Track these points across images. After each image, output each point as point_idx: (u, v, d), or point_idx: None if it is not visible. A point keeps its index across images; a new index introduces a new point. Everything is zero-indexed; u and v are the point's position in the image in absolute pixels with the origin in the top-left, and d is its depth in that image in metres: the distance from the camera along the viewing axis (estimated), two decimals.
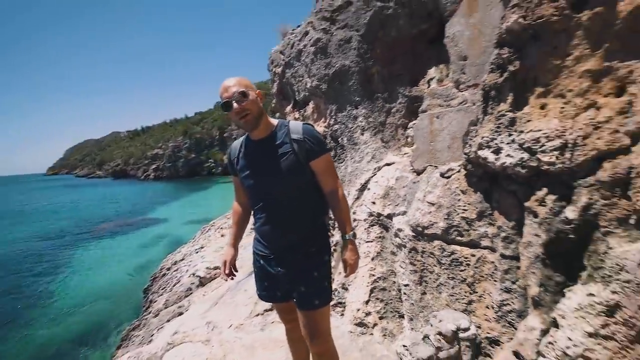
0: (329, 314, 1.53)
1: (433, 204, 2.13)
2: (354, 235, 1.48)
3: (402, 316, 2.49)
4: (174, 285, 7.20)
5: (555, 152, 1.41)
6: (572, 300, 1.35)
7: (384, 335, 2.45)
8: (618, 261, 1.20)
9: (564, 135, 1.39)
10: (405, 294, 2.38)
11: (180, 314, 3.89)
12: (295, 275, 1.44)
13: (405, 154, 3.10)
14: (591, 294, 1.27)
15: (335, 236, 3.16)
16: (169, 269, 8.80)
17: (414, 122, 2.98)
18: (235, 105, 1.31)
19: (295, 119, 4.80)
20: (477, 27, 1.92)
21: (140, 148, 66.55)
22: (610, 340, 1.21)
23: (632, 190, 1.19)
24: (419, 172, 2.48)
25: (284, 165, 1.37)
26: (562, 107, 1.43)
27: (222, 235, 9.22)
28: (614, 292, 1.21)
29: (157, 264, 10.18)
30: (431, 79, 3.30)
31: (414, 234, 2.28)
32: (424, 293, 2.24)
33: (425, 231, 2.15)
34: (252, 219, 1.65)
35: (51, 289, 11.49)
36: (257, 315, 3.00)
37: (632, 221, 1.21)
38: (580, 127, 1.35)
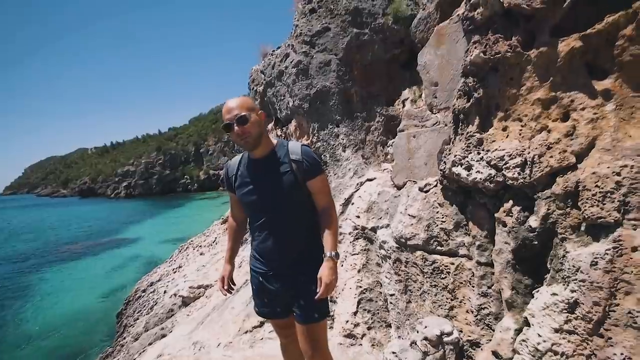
0: (327, 327, 1.59)
1: (414, 217, 2.29)
2: (336, 256, 1.44)
3: (389, 325, 2.60)
4: (151, 308, 6.90)
5: (517, 169, 1.61)
6: (539, 300, 1.52)
7: (373, 345, 2.54)
8: (574, 263, 1.39)
9: (523, 154, 1.60)
10: (391, 303, 2.50)
11: (164, 335, 3.77)
12: (295, 290, 1.48)
13: (385, 169, 3.28)
14: (554, 294, 1.45)
15: None
16: (144, 290, 8.41)
17: (392, 140, 3.18)
18: (236, 127, 1.37)
19: (278, 136, 4.91)
20: (445, 58, 2.15)
21: (109, 165, 63.58)
22: (572, 334, 1.38)
23: (580, 201, 1.39)
24: (399, 187, 2.65)
25: (284, 183, 1.43)
26: (520, 130, 1.64)
27: (201, 254, 8.98)
28: (572, 291, 1.39)
29: (131, 286, 9.71)
30: (405, 99, 3.56)
31: (397, 245, 2.42)
32: (409, 302, 2.37)
33: (408, 242, 2.30)
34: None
35: (15, 316, 10.59)
36: (246, 332, 2.99)
37: (583, 228, 1.41)
38: (536, 147, 1.56)
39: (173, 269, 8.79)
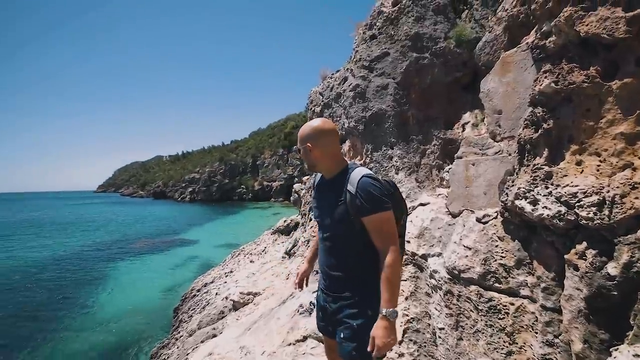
0: None
1: (470, 248, 2.18)
2: (393, 315, 1.27)
3: None
4: (203, 307, 7.42)
5: (593, 208, 1.47)
6: None
7: None
8: None
9: (602, 192, 1.45)
10: (440, 337, 2.37)
11: (214, 335, 4.03)
12: (337, 318, 1.45)
13: (439, 194, 3.18)
14: (637, 355, 1.26)
15: None
16: (199, 290, 9.08)
17: (448, 164, 3.08)
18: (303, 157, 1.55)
19: None
20: (511, 86, 2.07)
21: (179, 171, 71.06)
22: None
23: None
24: (454, 215, 2.55)
25: (334, 212, 1.43)
26: (598, 165, 1.50)
27: (251, 262, 9.43)
28: None
29: (188, 284, 10.53)
30: (466, 123, 3.44)
31: (449, 277, 2.31)
32: (460, 339, 2.22)
33: (462, 275, 2.19)
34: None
35: (85, 300, 12.17)
36: (290, 344, 3.07)
37: None
38: (617, 185, 1.41)
39: (225, 273, 9.36)
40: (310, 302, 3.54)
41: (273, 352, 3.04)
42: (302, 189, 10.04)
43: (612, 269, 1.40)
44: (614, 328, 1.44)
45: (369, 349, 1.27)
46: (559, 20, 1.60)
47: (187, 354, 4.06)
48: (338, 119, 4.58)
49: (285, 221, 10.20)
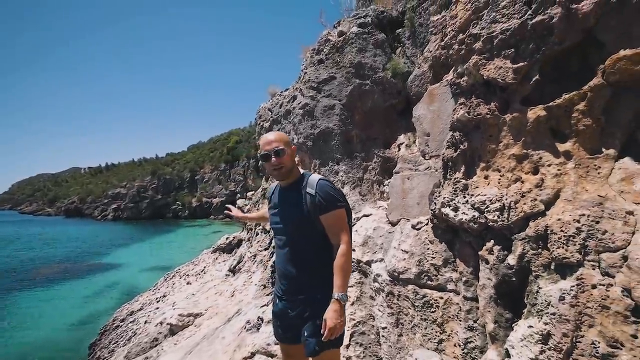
0: (337, 356, 1.59)
1: (407, 252, 2.48)
2: (344, 298, 1.41)
3: (380, 359, 2.66)
4: (129, 339, 6.61)
5: (497, 212, 1.85)
6: (518, 333, 1.68)
7: None
8: (546, 298, 1.58)
9: (502, 200, 1.85)
10: (383, 336, 2.59)
11: None
12: (301, 322, 1.53)
13: (380, 206, 3.52)
14: (530, 326, 1.62)
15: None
16: (123, 320, 8.06)
17: (388, 179, 3.45)
18: (273, 158, 1.54)
19: None
20: (437, 113, 2.50)
21: (101, 186, 62.73)
22: None
23: (549, 243, 1.62)
24: (393, 224, 2.86)
25: (295, 214, 1.56)
26: (499, 179, 1.91)
27: (188, 283, 8.77)
28: (545, 324, 1.56)
29: (108, 315, 9.28)
30: (401, 143, 3.90)
31: (390, 279, 2.57)
32: (400, 335, 2.47)
33: (401, 276, 2.46)
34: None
35: None
36: None
37: (552, 267, 1.62)
38: (512, 194, 1.82)
39: (156, 298, 8.50)
40: (258, 317, 3.50)
41: None
42: (245, 205, 9.82)
43: (511, 260, 1.78)
44: (515, 308, 1.81)
45: (322, 331, 1.40)
46: (469, 64, 2.03)
47: None
48: (287, 134, 4.75)
49: (227, 239, 9.78)
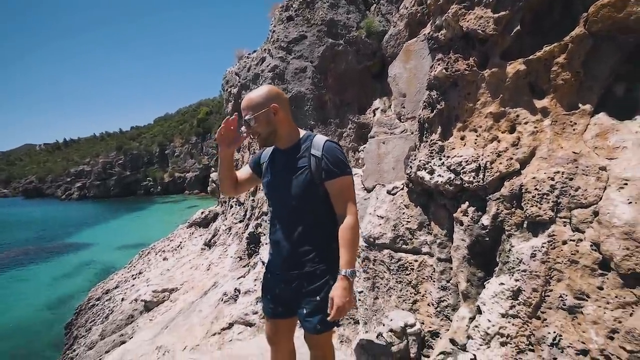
0: (331, 337, 1.52)
1: (382, 217, 2.45)
2: (352, 274, 1.28)
3: (357, 322, 2.71)
4: (106, 317, 6.47)
5: (473, 173, 1.81)
6: (489, 290, 1.71)
7: (341, 341, 2.63)
8: (518, 256, 1.59)
9: (478, 160, 1.80)
10: (359, 300, 2.62)
11: (123, 342, 3.56)
12: (300, 295, 1.39)
13: (356, 174, 3.44)
14: (502, 283, 1.64)
15: None
16: (98, 299, 7.87)
17: (363, 146, 3.35)
18: (244, 129, 1.38)
19: (251, 138, 4.92)
20: (413, 72, 2.36)
21: (61, 164, 58.42)
22: (516, 318, 1.58)
23: (523, 202, 1.61)
24: (369, 190, 2.80)
25: (298, 180, 1.35)
26: (476, 139, 1.85)
27: (164, 259, 8.59)
28: (516, 280, 1.59)
29: (82, 294, 9.02)
30: (376, 109, 3.77)
31: (366, 245, 2.55)
32: (376, 298, 2.50)
33: (376, 241, 2.44)
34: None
35: None
36: (214, 334, 2.95)
37: (525, 225, 1.62)
38: (488, 154, 1.77)
39: (132, 275, 8.30)
40: (235, 289, 3.45)
41: (196, 346, 2.88)
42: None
43: (485, 220, 1.77)
44: (487, 267, 1.83)
45: (328, 310, 1.28)
46: (448, 15, 1.88)
47: None
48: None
49: (202, 213, 9.54)
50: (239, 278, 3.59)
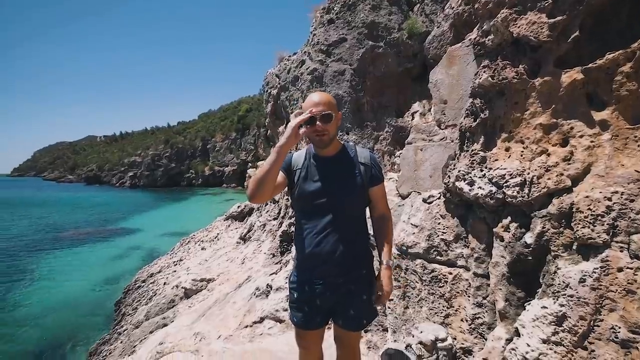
0: (360, 339, 1.65)
1: (416, 226, 2.40)
2: (393, 265, 1.52)
3: (385, 329, 2.69)
4: (150, 298, 7.03)
5: (517, 188, 1.72)
6: (530, 312, 1.61)
7: (369, 347, 2.63)
8: (564, 279, 1.49)
9: (523, 174, 1.70)
10: (389, 308, 2.59)
11: (165, 325, 3.88)
12: (346, 300, 1.45)
13: (390, 178, 3.39)
14: (544, 307, 1.54)
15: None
16: (144, 281, 8.56)
17: (399, 150, 3.29)
18: (318, 123, 1.35)
19: None
20: (456, 78, 2.27)
21: (117, 154, 64.27)
22: (559, 345, 1.48)
23: (573, 222, 1.49)
24: (404, 197, 2.76)
25: (353, 185, 1.43)
26: (522, 151, 1.75)
27: (202, 249, 9.12)
28: (561, 305, 1.48)
29: (130, 276, 9.84)
30: (415, 112, 3.68)
31: (398, 253, 2.52)
32: (406, 307, 2.47)
33: (409, 250, 2.40)
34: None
35: (11, 297, 10.72)
36: (246, 327, 3.10)
37: (574, 247, 1.51)
38: (535, 168, 1.66)
39: (174, 262, 8.93)
40: (267, 285, 3.59)
41: (229, 336, 3.05)
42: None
43: (529, 238, 1.67)
44: (528, 287, 1.73)
45: (378, 302, 1.46)
46: (497, 20, 1.78)
47: (134, 347, 3.86)
48: (295, 102, 4.55)
49: (239, 207, 9.96)
50: (271, 274, 3.73)
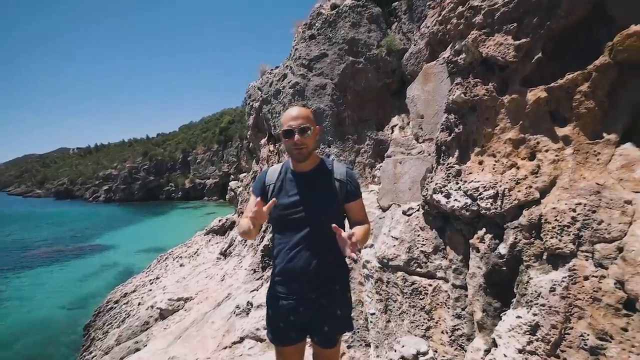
0: (339, 354, 1.61)
1: (397, 239, 2.42)
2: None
3: (368, 345, 2.66)
4: (122, 320, 6.65)
5: (490, 200, 1.78)
6: (506, 322, 1.64)
7: None
8: (536, 289, 1.53)
9: (496, 187, 1.77)
10: (371, 322, 2.57)
11: (138, 349, 3.65)
12: (320, 316, 1.44)
13: (372, 191, 3.43)
14: (519, 317, 1.58)
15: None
16: (116, 302, 8.11)
17: (380, 163, 3.35)
18: (297, 136, 1.36)
19: (270, 151, 5.04)
20: (431, 94, 2.36)
21: (91, 167, 61.61)
22: (534, 354, 1.51)
23: (542, 232, 1.56)
24: (384, 209, 2.79)
25: (327, 200, 1.43)
26: (494, 165, 1.82)
27: (181, 265, 8.79)
28: (534, 314, 1.52)
29: (102, 296, 9.32)
30: (394, 125, 3.78)
31: (380, 266, 2.52)
32: (388, 321, 2.45)
33: (390, 263, 2.41)
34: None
35: None
36: (225, 348, 2.97)
37: (544, 257, 1.57)
38: (506, 181, 1.73)
39: (150, 280, 8.53)
40: (248, 302, 3.48)
41: (207, 358, 2.91)
42: (238, 187, 9.70)
43: (502, 249, 1.72)
44: (504, 297, 1.77)
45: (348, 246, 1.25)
46: (468, 40, 1.89)
47: None
48: (277, 115, 4.57)
49: (220, 220, 9.74)
50: (252, 291, 3.63)
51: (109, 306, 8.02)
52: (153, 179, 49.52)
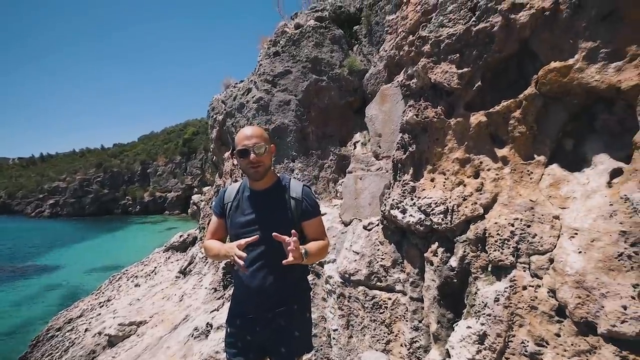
0: None
1: (358, 253, 2.46)
2: (306, 255, 1.36)
3: None
4: (64, 350, 5.98)
5: (441, 215, 1.88)
6: (457, 333, 1.72)
7: None
8: (483, 299, 1.63)
9: (446, 203, 1.88)
10: (334, 338, 2.56)
11: None
12: (277, 336, 1.43)
13: (335, 205, 3.48)
14: (469, 327, 1.67)
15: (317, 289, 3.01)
16: (59, 329, 7.29)
17: (343, 179, 3.42)
18: (252, 155, 1.37)
19: (234, 165, 4.94)
20: (388, 114, 2.49)
21: (34, 179, 55.84)
22: None
23: (487, 246, 1.68)
24: (346, 224, 2.84)
25: (281, 218, 1.42)
26: (444, 182, 1.94)
27: (136, 285, 8.16)
28: (482, 324, 1.62)
29: (43, 323, 8.36)
30: (357, 141, 3.90)
31: (342, 281, 2.54)
32: (350, 337, 2.46)
33: (352, 277, 2.44)
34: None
35: None
36: None
37: (489, 269, 1.68)
38: (455, 197, 1.86)
39: (100, 303, 7.80)
40: (207, 323, 3.31)
41: None
42: (201, 200, 9.32)
43: (453, 262, 1.82)
44: (456, 308, 1.86)
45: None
46: (418, 67, 2.03)
47: None
48: (241, 129, 4.52)
49: (181, 236, 9.25)
50: (212, 311, 3.45)
51: (50, 334, 7.18)
52: (108, 192, 45.96)
